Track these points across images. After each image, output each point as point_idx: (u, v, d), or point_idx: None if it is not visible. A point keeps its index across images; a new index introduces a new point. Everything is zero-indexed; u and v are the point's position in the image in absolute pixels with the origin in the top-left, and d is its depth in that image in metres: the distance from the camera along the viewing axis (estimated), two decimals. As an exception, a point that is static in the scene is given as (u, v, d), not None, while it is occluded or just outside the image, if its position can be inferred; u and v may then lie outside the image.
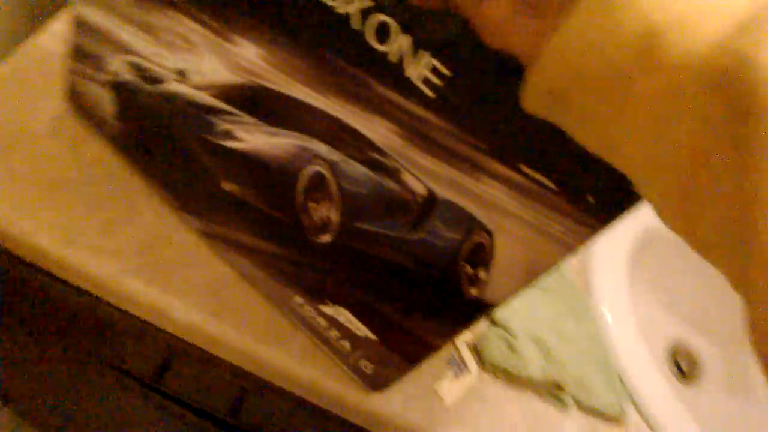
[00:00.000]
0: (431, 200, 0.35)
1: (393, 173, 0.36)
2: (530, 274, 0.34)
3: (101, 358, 0.62)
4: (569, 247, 0.32)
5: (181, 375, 0.60)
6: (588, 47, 0.22)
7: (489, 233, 0.34)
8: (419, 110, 0.33)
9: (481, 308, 0.38)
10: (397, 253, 0.39)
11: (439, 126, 0.32)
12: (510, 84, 0.27)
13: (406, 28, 0.31)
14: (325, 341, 0.50)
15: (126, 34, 0.44)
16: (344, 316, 0.46)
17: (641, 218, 0.80)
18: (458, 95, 0.31)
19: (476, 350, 0.57)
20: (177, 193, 0.50)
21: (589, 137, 0.25)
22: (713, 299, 0.86)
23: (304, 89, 0.37)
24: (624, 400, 0.61)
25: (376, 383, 0.50)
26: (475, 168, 0.32)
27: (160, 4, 0.40)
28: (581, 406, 0.59)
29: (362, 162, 0.37)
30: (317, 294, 0.47)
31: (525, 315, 0.60)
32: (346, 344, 0.48)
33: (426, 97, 0.32)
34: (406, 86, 0.32)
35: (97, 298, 0.52)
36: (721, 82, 0.20)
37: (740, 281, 0.21)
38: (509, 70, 0.27)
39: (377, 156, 0.36)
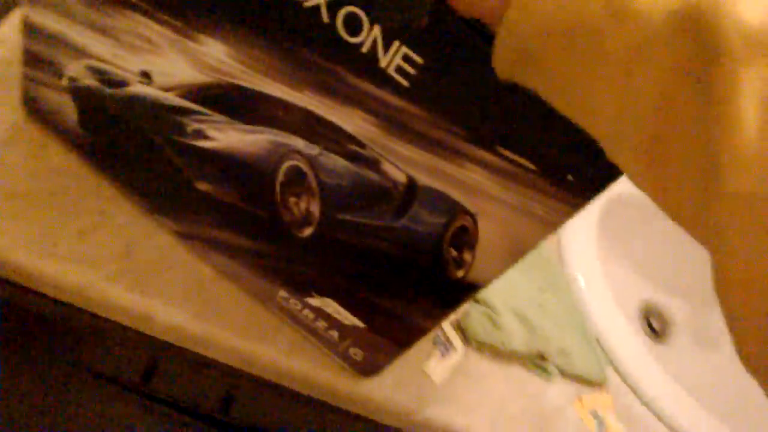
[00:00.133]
0: (412, 188, 0.36)
1: (372, 163, 0.36)
2: (515, 253, 0.35)
3: (86, 368, 0.61)
4: (552, 225, 0.33)
5: (168, 377, 0.60)
6: (555, 1, 0.22)
7: (472, 216, 0.35)
8: (395, 99, 0.33)
9: (468, 289, 0.38)
10: (381, 241, 0.39)
11: (416, 114, 0.33)
12: (484, 67, 0.28)
13: (374, 19, 0.31)
14: (313, 333, 0.50)
15: (82, 37, 0.43)
16: (331, 306, 0.46)
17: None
18: (432, 82, 0.31)
19: (461, 328, 0.58)
20: (149, 196, 0.50)
21: (561, 97, 0.25)
22: (679, 260, 0.89)
23: (276, 85, 0.36)
24: (604, 365, 0.63)
25: (367, 369, 0.50)
26: (454, 153, 0.33)
27: (117, 6, 0.39)
28: (564, 374, 0.61)
29: (341, 154, 0.37)
30: (302, 287, 0.47)
31: (505, 291, 0.61)
32: (335, 334, 0.48)
33: (400, 86, 0.32)
34: (380, 77, 0.32)
35: (77, 308, 0.51)
36: (688, 28, 0.20)
37: (706, 233, 0.21)
38: (482, 42, 0.27)
39: (355, 147, 0.36)
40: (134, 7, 0.38)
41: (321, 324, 0.48)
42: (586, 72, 0.23)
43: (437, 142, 0.33)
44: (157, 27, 0.39)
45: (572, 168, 0.30)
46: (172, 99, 0.41)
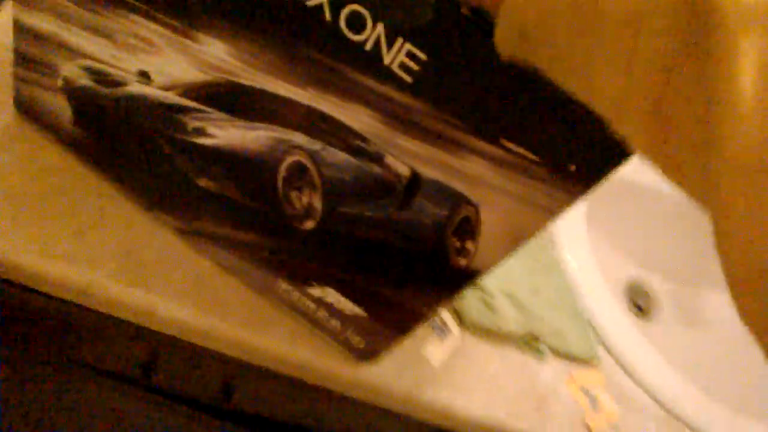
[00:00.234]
0: (415, 180, 0.37)
1: (375, 158, 0.37)
2: (516, 241, 0.36)
3: (86, 365, 0.62)
4: (553, 214, 0.34)
5: (168, 369, 0.60)
6: None
7: (475, 207, 0.36)
8: (398, 95, 0.34)
9: (469, 277, 0.40)
10: (384, 232, 0.40)
11: (419, 108, 0.34)
12: (487, 60, 0.29)
13: (378, 16, 0.32)
14: (314, 322, 0.51)
15: (76, 38, 0.43)
16: (332, 296, 0.47)
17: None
18: (436, 77, 0.32)
19: (456, 312, 0.59)
20: (148, 193, 0.50)
21: (563, 73, 0.26)
22: (662, 241, 0.91)
23: (278, 83, 0.37)
24: (595, 343, 0.65)
25: (368, 355, 0.51)
26: (457, 146, 0.34)
27: (113, 7, 0.39)
28: (557, 353, 0.63)
29: (344, 149, 0.38)
30: (303, 278, 0.47)
31: (498, 274, 0.62)
32: (336, 323, 0.49)
33: (404, 81, 0.33)
34: (383, 73, 0.33)
35: (76, 305, 0.51)
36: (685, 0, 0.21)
37: (706, 195, 0.22)
38: (485, 35, 0.28)
39: (358, 142, 0.37)
40: (132, 9, 0.39)
41: (322, 313, 0.49)
42: (587, 42, 0.23)
43: (440, 135, 0.34)
44: (155, 27, 0.39)
45: (574, 158, 0.31)
46: (172, 98, 0.42)
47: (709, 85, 0.20)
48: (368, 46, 0.33)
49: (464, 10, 0.29)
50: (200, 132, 0.42)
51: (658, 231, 0.89)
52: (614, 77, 0.23)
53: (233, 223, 0.47)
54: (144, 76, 0.41)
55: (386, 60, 0.32)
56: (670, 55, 0.22)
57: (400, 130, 0.35)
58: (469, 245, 0.38)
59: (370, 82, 0.34)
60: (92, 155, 0.50)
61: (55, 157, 0.52)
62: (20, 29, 0.45)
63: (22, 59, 0.47)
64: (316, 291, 0.48)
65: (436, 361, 0.56)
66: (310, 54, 0.35)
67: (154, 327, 0.51)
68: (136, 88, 0.43)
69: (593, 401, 0.61)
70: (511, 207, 0.35)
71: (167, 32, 0.38)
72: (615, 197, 0.86)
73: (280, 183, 0.42)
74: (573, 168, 0.32)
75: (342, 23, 0.33)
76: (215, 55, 0.38)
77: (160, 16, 0.38)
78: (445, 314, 0.59)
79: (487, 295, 0.61)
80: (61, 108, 0.48)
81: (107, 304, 0.49)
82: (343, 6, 0.32)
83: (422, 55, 0.32)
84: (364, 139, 0.36)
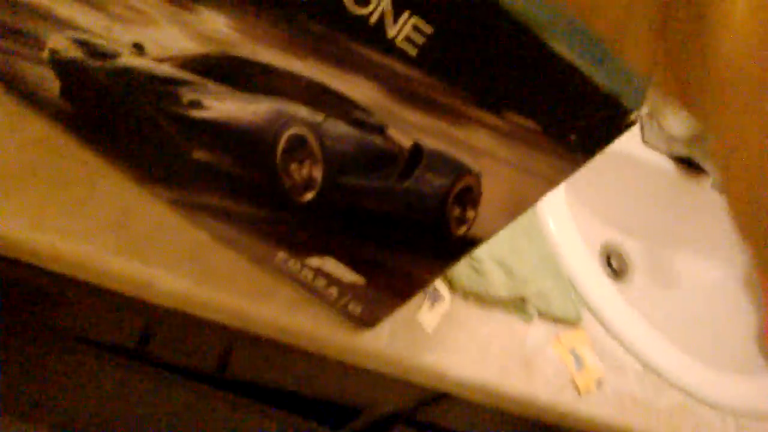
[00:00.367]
0: (418, 152, 0.37)
1: (377, 130, 0.37)
2: (516, 209, 0.37)
3: (83, 339, 0.62)
4: (553, 182, 0.35)
5: (165, 341, 0.61)
6: None
7: (476, 176, 0.37)
8: (401, 68, 0.34)
9: (469, 245, 0.41)
10: (384, 203, 0.41)
11: (423, 81, 0.34)
12: (493, 31, 0.29)
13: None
14: (312, 290, 0.51)
15: (65, 9, 0.42)
16: (331, 265, 0.48)
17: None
18: (440, 50, 0.33)
19: (447, 278, 0.61)
20: (141, 166, 0.49)
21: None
22: (635, 205, 0.94)
23: (279, 55, 0.37)
24: (578, 304, 0.68)
25: (365, 322, 0.52)
26: (460, 117, 0.34)
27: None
28: (543, 315, 0.65)
29: (345, 121, 0.38)
30: (302, 248, 0.48)
31: (487, 240, 0.64)
32: (334, 291, 0.50)
33: (408, 54, 0.33)
34: (387, 46, 0.33)
35: (70, 279, 0.51)
36: None
37: (705, 110, 0.24)
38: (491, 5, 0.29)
39: (360, 114, 0.37)
40: (125, -23, 0.38)
41: (320, 282, 0.50)
42: None
43: (443, 107, 0.34)
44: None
45: (575, 127, 0.32)
46: (167, 70, 0.41)
47: (702, 12, 0.22)
48: (372, 20, 0.33)
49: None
50: (196, 105, 0.42)
51: (630, 196, 0.91)
52: (620, 12, 0.24)
53: (229, 196, 0.47)
54: (138, 48, 0.41)
55: (390, 33, 0.33)
56: None
57: (403, 102, 0.35)
58: (470, 213, 0.39)
59: (373, 55, 0.34)
60: (81, 128, 0.50)
61: (41, 130, 0.51)
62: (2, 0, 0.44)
63: (3, 30, 0.46)
64: (314, 261, 0.48)
65: (429, 325, 0.58)
66: (311, 26, 0.35)
67: (152, 299, 0.51)
68: (129, 60, 0.42)
69: (578, 360, 0.64)
70: (513, 176, 0.36)
71: (163, 3, 0.38)
72: (591, 163, 0.88)
73: (279, 155, 0.42)
74: (574, 138, 0.33)
75: (346, -4, 0.33)
76: (213, 27, 0.38)
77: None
78: (437, 281, 0.60)
79: (476, 262, 0.62)
80: (47, 80, 0.47)
81: (104, 277, 0.49)
82: (347, -22, 0.32)
83: (428, 29, 0.32)
84: (366, 111, 0.37)
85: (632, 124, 0.31)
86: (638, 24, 0.24)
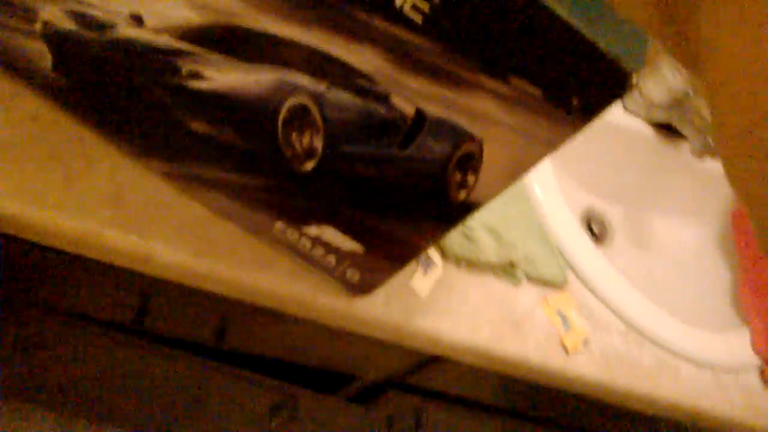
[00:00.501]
0: (420, 119, 0.38)
1: (380, 97, 0.38)
2: (516, 173, 0.39)
3: (79, 314, 0.62)
4: (554, 146, 0.36)
5: (161, 314, 0.61)
6: None
7: (478, 142, 0.38)
8: (407, 35, 0.34)
9: (468, 209, 0.42)
10: (385, 171, 0.42)
11: (428, 48, 0.35)
12: None
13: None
14: (309, 259, 0.52)
15: (57, -23, 0.41)
16: (329, 233, 0.49)
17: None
18: (446, 17, 0.33)
19: (439, 245, 0.62)
20: (136, 139, 0.49)
21: None
22: (614, 171, 0.96)
23: (282, 24, 0.37)
24: (564, 267, 0.70)
25: (362, 289, 0.53)
26: (464, 84, 0.35)
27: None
28: (531, 279, 0.67)
29: (348, 90, 0.38)
30: (300, 218, 0.49)
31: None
32: (332, 259, 0.51)
33: (413, 22, 0.34)
34: (393, 14, 0.34)
35: (68, 254, 0.51)
36: None
37: (702, 62, 0.24)
38: None
39: (363, 82, 0.38)
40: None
41: (318, 251, 0.51)
42: None
43: (448, 74, 0.35)
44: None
45: (577, 91, 0.33)
46: (166, 41, 0.41)
47: None
48: (378, -13, 0.33)
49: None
50: (196, 75, 0.42)
51: (609, 163, 0.93)
52: None
53: (228, 167, 0.48)
54: (136, 19, 0.41)
55: (398, 2, 0.33)
56: None
57: (407, 69, 0.36)
58: (470, 179, 0.40)
59: (379, 23, 0.35)
60: (75, 102, 0.49)
61: (33, 104, 0.50)
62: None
63: (-9, 2, 0.45)
64: (313, 230, 0.49)
65: (422, 291, 0.59)
66: (314, -5, 0.35)
67: (151, 272, 0.51)
68: (125, 31, 0.42)
69: (565, 321, 0.66)
70: (514, 141, 0.37)
71: (161, -27, 0.38)
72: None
73: (280, 125, 0.42)
74: (576, 102, 0.34)
75: (352, -37, 0.33)
76: (214, -3, 0.37)
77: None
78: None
79: (467, 228, 0.64)
80: (39, 53, 0.46)
81: (102, 252, 0.49)
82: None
83: (433, -5, 0.33)
84: (369, 79, 0.37)
85: (632, 86, 0.32)
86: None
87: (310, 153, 0.43)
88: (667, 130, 0.90)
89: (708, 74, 0.23)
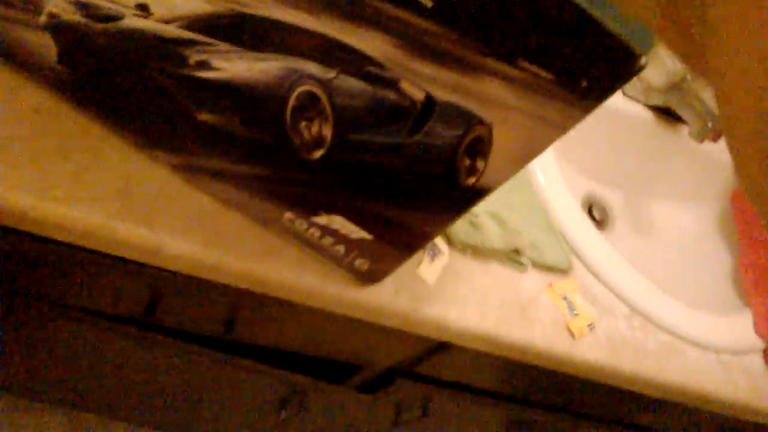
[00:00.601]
0: (430, 104, 0.38)
1: (391, 83, 0.38)
2: (526, 157, 0.39)
3: (90, 311, 0.62)
4: (564, 128, 0.36)
5: (171, 307, 0.61)
6: None
7: (488, 126, 0.38)
8: (417, 20, 0.35)
9: (478, 195, 0.42)
10: (394, 157, 0.42)
11: (438, 33, 0.35)
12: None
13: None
14: (318, 248, 0.52)
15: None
16: (338, 222, 0.49)
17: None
18: (457, 1, 0.33)
19: (445, 233, 0.62)
20: (142, 131, 0.49)
21: None
22: (614, 157, 0.96)
23: (291, 11, 0.37)
24: (569, 253, 0.70)
25: (371, 277, 0.54)
26: (475, 68, 0.35)
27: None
28: (536, 265, 0.67)
29: (358, 76, 0.39)
30: (309, 207, 0.49)
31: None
32: (341, 248, 0.51)
33: (424, 7, 0.34)
34: (404, 0, 0.34)
35: (73, 248, 0.51)
36: None
37: (711, 66, 0.24)
38: None
39: (374, 69, 0.38)
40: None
41: (327, 240, 0.51)
42: None
43: (458, 58, 0.35)
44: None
45: (586, 74, 0.33)
46: (173, 30, 0.41)
47: None
48: (388, -28, 0.33)
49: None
50: (204, 65, 0.42)
51: (609, 148, 0.94)
52: None
53: (235, 158, 0.48)
54: (143, 9, 0.41)
55: (408, -14, 0.33)
56: None
57: (417, 54, 0.36)
58: (480, 164, 0.40)
59: (389, 9, 0.35)
60: (80, 94, 0.49)
61: (38, 98, 0.50)
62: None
63: (-6, -4, 0.45)
64: (322, 219, 0.49)
65: (430, 279, 0.60)
66: (323, -19, 0.35)
67: (161, 264, 0.51)
68: (132, 21, 0.42)
69: (571, 306, 0.66)
70: (523, 124, 0.37)
71: (168, -38, 0.38)
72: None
73: (288, 114, 0.42)
74: (585, 84, 0.34)
75: (361, -51, 0.33)
76: (222, -14, 0.37)
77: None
78: (435, 235, 0.62)
79: (473, 216, 0.64)
80: (44, 46, 0.46)
81: (112, 245, 0.49)
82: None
83: (443, -20, 0.33)
84: (379, 65, 0.37)
85: (642, 68, 0.32)
86: None
87: (318, 141, 0.43)
88: (665, 114, 0.90)
89: (715, 75, 0.22)
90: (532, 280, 0.66)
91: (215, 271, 0.52)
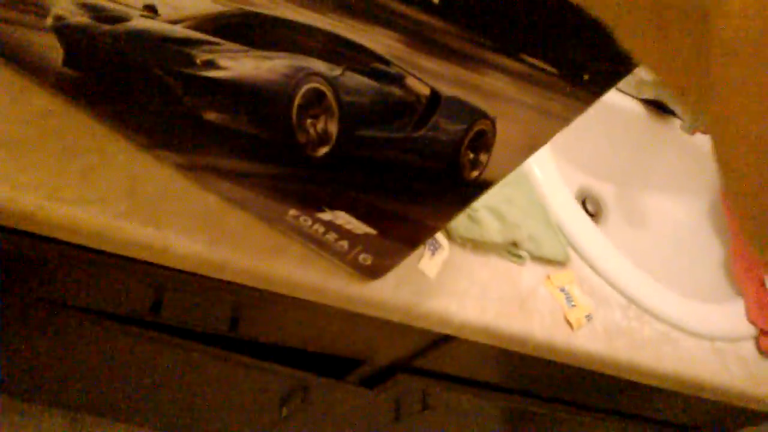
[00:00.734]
0: (435, 99, 0.39)
1: (396, 79, 0.39)
2: (528, 149, 0.40)
3: (94, 310, 0.62)
4: (566, 121, 0.37)
5: (175, 306, 0.62)
6: None
7: (491, 120, 0.39)
8: (423, 16, 0.35)
9: (481, 188, 0.43)
10: (399, 153, 0.43)
11: (444, 29, 0.36)
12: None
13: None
14: (322, 245, 0.53)
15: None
16: (342, 218, 0.50)
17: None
18: (461, -2, 0.34)
19: (445, 227, 0.63)
20: (148, 131, 0.50)
21: None
22: (606, 148, 0.98)
23: (297, 9, 0.38)
24: (566, 246, 0.71)
25: (375, 272, 0.55)
26: (479, 63, 0.36)
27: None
28: (534, 258, 0.68)
29: (364, 73, 0.39)
30: (314, 204, 0.50)
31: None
32: (345, 243, 0.52)
33: (430, 3, 0.35)
34: (409, -3, 0.35)
35: (75, 249, 0.51)
36: None
37: (705, 97, 0.24)
38: None
39: (379, 65, 0.39)
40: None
41: (331, 236, 0.52)
42: None
43: (463, 54, 0.36)
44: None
45: (588, 67, 0.35)
46: (180, 31, 0.42)
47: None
48: (394, -29, 0.34)
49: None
50: (210, 65, 0.43)
51: (601, 141, 0.95)
52: None
53: (240, 155, 0.48)
54: (150, 9, 0.41)
55: (414, -16, 0.34)
56: None
57: (422, 50, 0.37)
58: (483, 157, 0.41)
59: (396, 5, 0.35)
60: (86, 96, 0.49)
61: (44, 100, 0.51)
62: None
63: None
64: (326, 215, 0.50)
65: (431, 273, 0.61)
66: (329, -19, 0.36)
67: (167, 263, 0.52)
68: (139, 22, 0.42)
69: (569, 297, 0.68)
70: (527, 117, 0.38)
71: (175, -36, 0.38)
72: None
73: (294, 111, 0.43)
74: (587, 77, 0.35)
75: (367, -51, 0.34)
76: (229, -14, 0.38)
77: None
78: (435, 229, 0.63)
79: (471, 210, 0.65)
80: (50, 48, 0.47)
81: (121, 245, 0.50)
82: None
83: (447, -22, 0.34)
84: (385, 61, 0.38)
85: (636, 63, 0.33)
86: (636, 6, 0.25)
87: (324, 138, 0.44)
88: (657, 107, 0.92)
89: (715, 119, 0.22)
90: (530, 273, 0.67)
91: (222, 269, 0.52)
